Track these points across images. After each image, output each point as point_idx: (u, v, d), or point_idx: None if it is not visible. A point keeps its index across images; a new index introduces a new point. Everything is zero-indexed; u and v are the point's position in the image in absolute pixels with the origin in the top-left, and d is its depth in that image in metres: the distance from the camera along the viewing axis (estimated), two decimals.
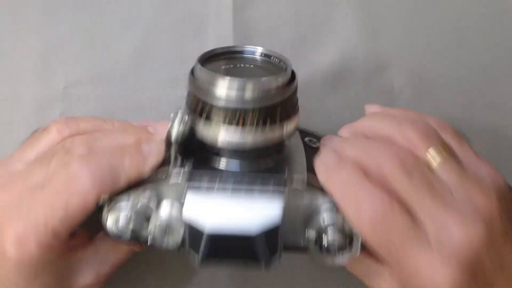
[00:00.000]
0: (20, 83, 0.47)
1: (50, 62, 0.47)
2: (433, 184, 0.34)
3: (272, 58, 0.38)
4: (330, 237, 0.35)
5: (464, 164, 0.36)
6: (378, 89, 0.49)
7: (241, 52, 0.39)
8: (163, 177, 0.36)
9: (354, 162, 0.36)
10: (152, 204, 0.36)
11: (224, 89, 0.34)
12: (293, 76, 0.37)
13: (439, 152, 0.36)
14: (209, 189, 0.35)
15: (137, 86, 0.47)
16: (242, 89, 0.34)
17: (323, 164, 0.37)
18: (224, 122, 0.35)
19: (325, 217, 0.36)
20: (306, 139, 0.41)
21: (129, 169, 0.36)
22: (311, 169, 0.37)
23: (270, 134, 0.35)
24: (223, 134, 0.35)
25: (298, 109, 0.37)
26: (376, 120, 0.39)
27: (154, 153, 0.36)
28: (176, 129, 0.35)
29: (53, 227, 0.35)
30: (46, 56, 0.47)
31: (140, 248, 0.40)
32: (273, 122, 0.35)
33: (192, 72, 0.37)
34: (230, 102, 0.34)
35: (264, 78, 0.35)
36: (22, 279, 0.35)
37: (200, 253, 0.34)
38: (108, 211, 0.36)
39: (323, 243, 0.36)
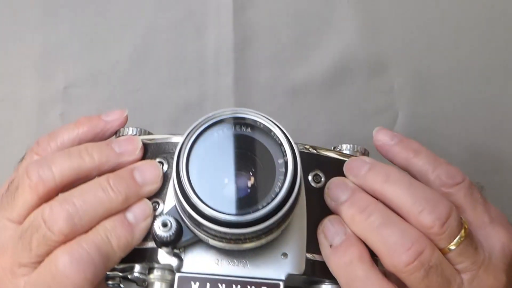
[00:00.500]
0: (20, 83, 0.47)
1: (50, 62, 0.47)
2: (446, 282, 0.32)
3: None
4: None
5: (475, 229, 0.34)
6: (378, 89, 0.49)
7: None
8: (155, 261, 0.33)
9: (362, 243, 0.32)
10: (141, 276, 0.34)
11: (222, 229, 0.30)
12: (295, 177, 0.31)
13: (456, 237, 0.32)
14: (202, 281, 0.32)
15: (137, 86, 0.47)
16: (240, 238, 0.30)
17: (327, 237, 0.33)
18: (218, 240, 0.31)
19: None
20: (310, 176, 0.35)
21: (118, 249, 0.32)
22: (312, 235, 0.33)
23: (270, 238, 0.32)
24: (215, 243, 0.31)
25: (299, 196, 0.32)
26: (393, 184, 0.33)
27: (141, 219, 0.33)
28: (162, 235, 0.31)
29: None
30: (46, 56, 0.47)
31: None
32: (273, 231, 0.31)
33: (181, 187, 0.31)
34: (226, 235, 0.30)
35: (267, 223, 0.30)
36: None
37: None
38: None
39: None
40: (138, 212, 0.33)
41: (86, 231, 0.32)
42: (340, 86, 0.48)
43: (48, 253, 0.32)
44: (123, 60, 0.47)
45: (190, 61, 0.48)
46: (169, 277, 0.34)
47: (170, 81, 0.47)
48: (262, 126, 0.31)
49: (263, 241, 0.31)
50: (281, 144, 0.30)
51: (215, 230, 0.29)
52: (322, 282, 0.34)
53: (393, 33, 0.49)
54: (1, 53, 0.47)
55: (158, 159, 0.34)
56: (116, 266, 0.33)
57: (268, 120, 0.31)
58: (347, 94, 0.48)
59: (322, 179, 0.35)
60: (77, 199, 0.32)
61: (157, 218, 0.31)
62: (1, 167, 0.46)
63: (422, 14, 0.49)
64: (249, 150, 0.31)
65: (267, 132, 0.31)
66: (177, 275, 0.32)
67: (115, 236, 0.32)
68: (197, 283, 0.32)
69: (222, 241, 0.31)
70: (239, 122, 0.31)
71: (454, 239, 0.32)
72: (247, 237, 0.30)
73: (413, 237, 0.31)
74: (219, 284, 0.32)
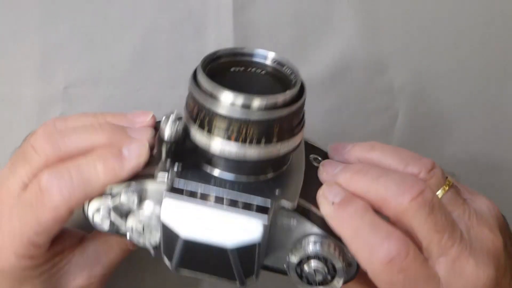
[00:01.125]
0: (20, 83, 0.47)
1: (50, 62, 0.47)
2: (450, 222, 0.33)
3: (284, 67, 0.36)
4: (311, 269, 0.35)
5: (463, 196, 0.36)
6: (378, 89, 0.49)
7: (252, 55, 0.36)
8: (150, 175, 0.34)
9: (363, 197, 0.34)
10: (134, 201, 0.34)
11: (227, 102, 0.32)
12: (301, 90, 0.34)
13: (442, 185, 0.35)
14: (193, 193, 0.33)
15: (137, 86, 0.47)
16: (246, 105, 0.32)
17: (328, 198, 0.34)
18: (222, 133, 0.33)
19: (311, 247, 0.34)
20: (311, 156, 0.38)
21: (103, 176, 0.34)
22: (308, 192, 0.35)
23: (270, 150, 0.33)
24: (219, 144, 0.33)
25: (303, 125, 0.35)
26: (378, 150, 0.37)
27: (134, 156, 0.34)
28: (169, 129, 0.33)
29: (29, 238, 0.34)
30: (46, 56, 0.47)
31: (133, 247, 0.40)
32: (274, 138, 0.33)
33: (195, 75, 0.35)
34: (232, 115, 0.32)
35: (271, 96, 0.32)
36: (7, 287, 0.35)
37: (175, 259, 0.34)
38: (90, 201, 0.35)
39: (304, 273, 0.35)
40: (134, 149, 0.34)
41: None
42: (340, 86, 0.48)
43: (34, 175, 0.34)
44: (123, 60, 0.47)
45: (190, 61, 0.48)
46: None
47: (170, 81, 0.47)
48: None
49: (268, 149, 0.33)
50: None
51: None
52: (310, 235, 0.35)
53: (393, 33, 0.49)
54: (1, 53, 0.47)
55: None
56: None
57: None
58: (347, 94, 0.48)
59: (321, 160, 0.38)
60: (66, 129, 0.36)
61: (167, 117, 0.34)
62: (1, 167, 0.46)
63: (422, 14, 0.49)
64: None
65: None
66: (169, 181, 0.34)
67: (103, 163, 0.34)
68: (189, 187, 0.34)
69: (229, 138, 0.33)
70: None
71: (441, 186, 0.35)
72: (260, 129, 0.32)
73: (412, 180, 0.33)
74: (210, 192, 0.33)
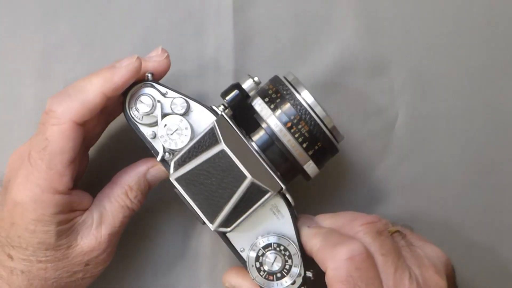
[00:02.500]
0: (20, 83, 0.47)
1: (50, 62, 0.47)
2: (396, 251, 0.39)
3: None
4: (269, 259, 0.39)
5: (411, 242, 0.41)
6: (378, 89, 0.49)
7: None
8: (206, 106, 0.40)
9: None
10: (183, 107, 0.39)
11: (303, 97, 0.40)
12: (336, 149, 0.42)
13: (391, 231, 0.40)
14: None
15: None
16: (313, 108, 0.40)
17: (305, 221, 0.41)
18: (282, 116, 0.39)
19: (267, 239, 0.39)
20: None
21: (96, 83, 0.38)
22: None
23: (301, 155, 0.40)
24: (274, 121, 0.39)
25: (321, 167, 0.42)
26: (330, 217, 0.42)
27: (124, 65, 0.38)
28: (249, 81, 0.40)
29: (49, 165, 0.37)
30: (46, 56, 0.47)
31: (136, 205, 0.41)
32: (311, 152, 0.40)
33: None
34: (300, 107, 0.39)
35: (330, 117, 0.40)
36: (27, 222, 0.38)
37: (185, 169, 0.38)
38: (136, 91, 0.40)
39: (263, 266, 0.39)
40: (124, 61, 0.39)
41: None
42: (340, 86, 0.48)
43: None
44: None
45: (190, 61, 0.48)
46: None
47: (170, 81, 0.47)
48: None
49: None
50: None
51: None
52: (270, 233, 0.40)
53: (393, 33, 0.49)
54: (1, 53, 0.47)
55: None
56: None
57: None
58: (347, 94, 0.48)
59: None
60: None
61: None
62: (1, 167, 0.45)
63: (422, 14, 0.49)
64: None
65: None
66: None
67: (96, 75, 0.38)
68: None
69: None
70: None
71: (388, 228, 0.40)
72: None
73: (368, 221, 0.40)
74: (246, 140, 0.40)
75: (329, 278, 0.37)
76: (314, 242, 0.39)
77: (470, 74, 0.49)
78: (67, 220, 0.39)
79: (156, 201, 0.47)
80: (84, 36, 0.47)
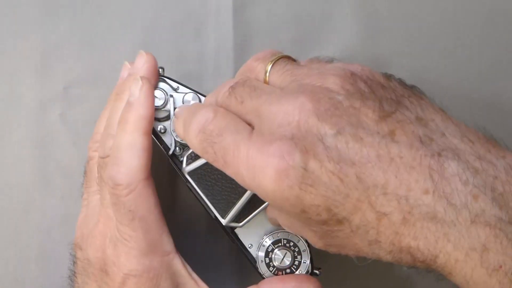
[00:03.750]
0: (20, 83, 0.47)
1: (50, 62, 0.47)
2: (258, 90, 0.34)
3: None
4: (279, 255, 0.39)
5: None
6: None
7: None
8: None
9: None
10: (192, 103, 0.40)
11: None
12: None
13: (271, 62, 0.36)
14: None
15: None
16: None
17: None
18: None
19: (273, 237, 0.39)
20: None
21: (131, 131, 0.37)
22: None
23: None
24: None
25: None
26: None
27: (138, 96, 0.38)
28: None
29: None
30: (46, 56, 0.47)
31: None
32: None
33: None
34: None
35: None
36: None
37: (197, 164, 0.38)
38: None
39: (272, 262, 0.39)
40: (134, 89, 0.38)
41: None
42: None
43: None
44: (123, 60, 0.47)
45: (190, 61, 0.48)
46: None
47: None
48: None
49: None
50: None
51: None
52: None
53: (393, 33, 0.49)
54: (1, 53, 0.47)
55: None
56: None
57: None
58: None
59: None
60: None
61: None
62: (2, 167, 0.46)
63: (422, 14, 0.49)
64: None
65: None
66: None
67: (123, 123, 0.38)
68: None
69: None
70: None
71: (270, 62, 0.36)
72: None
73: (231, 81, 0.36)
74: None
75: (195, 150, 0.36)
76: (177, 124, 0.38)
77: (470, 74, 0.49)
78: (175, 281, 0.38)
79: None
80: (84, 36, 0.47)
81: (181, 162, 0.39)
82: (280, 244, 0.39)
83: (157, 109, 0.39)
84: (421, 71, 0.49)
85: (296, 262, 0.39)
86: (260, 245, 0.39)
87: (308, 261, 0.39)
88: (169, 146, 0.39)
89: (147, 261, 0.37)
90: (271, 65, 0.36)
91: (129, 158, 0.36)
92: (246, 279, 0.47)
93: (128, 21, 0.48)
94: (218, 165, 0.33)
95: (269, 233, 0.39)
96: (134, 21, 0.48)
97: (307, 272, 0.39)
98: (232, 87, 0.35)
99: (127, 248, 0.37)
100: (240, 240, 0.40)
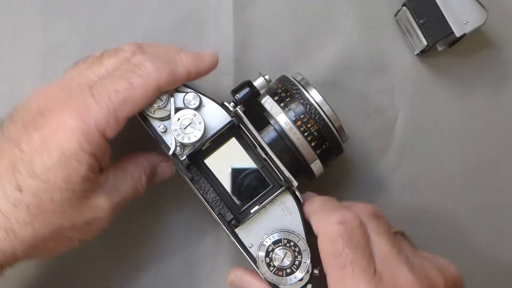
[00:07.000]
0: (20, 83, 0.47)
1: (50, 62, 0.47)
2: (394, 238, 0.38)
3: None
4: (279, 255, 0.39)
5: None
6: (378, 89, 0.49)
7: None
8: (216, 101, 0.40)
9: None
10: (196, 102, 0.40)
11: (312, 96, 0.41)
12: (341, 149, 0.43)
13: (399, 230, 0.40)
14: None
15: None
16: (322, 106, 0.40)
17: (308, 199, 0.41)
18: (293, 115, 0.40)
19: (274, 236, 0.39)
20: None
21: (186, 60, 0.39)
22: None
23: (310, 152, 0.40)
24: (284, 119, 0.40)
25: (326, 167, 0.42)
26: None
27: (209, 54, 0.40)
28: (260, 79, 0.41)
29: (115, 106, 0.36)
30: (47, 56, 0.47)
31: (143, 189, 0.41)
32: (318, 151, 0.41)
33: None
34: (309, 106, 0.40)
35: (337, 116, 0.41)
36: (68, 147, 0.36)
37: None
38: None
39: (272, 262, 0.39)
40: (208, 51, 0.41)
41: None
42: (340, 86, 0.48)
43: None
44: None
45: None
46: None
47: None
48: None
49: None
50: None
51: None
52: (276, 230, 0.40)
53: (393, 33, 0.49)
54: (1, 53, 0.47)
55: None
56: None
57: None
58: (347, 94, 0.48)
59: None
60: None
61: None
62: None
63: None
64: None
65: None
66: None
67: (185, 53, 0.40)
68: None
69: None
70: None
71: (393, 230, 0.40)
72: None
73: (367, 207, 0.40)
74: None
75: (319, 239, 0.37)
76: (311, 207, 0.39)
77: (470, 74, 0.49)
78: (96, 169, 0.37)
79: (156, 201, 0.47)
80: (85, 36, 0.47)
81: (180, 161, 0.39)
82: (280, 244, 0.39)
83: (158, 108, 0.39)
84: (421, 71, 0.49)
85: (297, 262, 0.39)
86: (261, 245, 0.39)
87: (308, 261, 0.39)
88: (170, 145, 0.39)
89: (90, 127, 0.36)
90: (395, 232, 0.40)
91: (167, 65, 0.38)
92: None
93: (128, 21, 0.48)
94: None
95: (269, 233, 0.39)
96: (134, 21, 0.48)
97: (307, 272, 0.39)
98: (374, 213, 0.39)
99: (85, 104, 0.36)
100: (240, 239, 0.40)
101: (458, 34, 0.45)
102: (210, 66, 0.40)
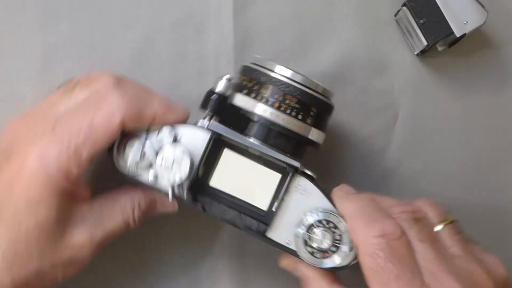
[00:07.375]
0: (20, 83, 0.47)
1: (50, 62, 0.47)
2: (438, 241, 0.37)
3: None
4: (317, 235, 0.38)
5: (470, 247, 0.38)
6: (378, 89, 0.49)
7: None
8: (189, 123, 0.39)
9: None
10: (171, 137, 0.38)
11: (278, 73, 0.39)
12: (331, 106, 0.41)
13: (447, 220, 0.39)
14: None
15: None
16: (293, 79, 0.39)
17: (341, 191, 0.39)
18: (267, 100, 0.39)
19: (315, 216, 0.38)
20: None
21: (156, 107, 0.38)
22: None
23: (302, 126, 0.39)
24: (262, 108, 0.39)
25: (325, 130, 0.41)
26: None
27: (180, 109, 0.39)
28: (223, 83, 0.39)
29: (76, 146, 0.35)
30: (46, 56, 0.47)
31: (135, 224, 0.40)
32: (308, 120, 0.39)
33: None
34: (281, 84, 0.39)
35: (313, 80, 0.40)
36: (32, 194, 0.35)
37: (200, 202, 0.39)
38: (121, 139, 0.38)
39: (310, 241, 0.38)
40: (180, 106, 0.40)
41: None
42: (340, 86, 0.48)
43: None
44: (123, 60, 0.47)
45: (190, 61, 0.48)
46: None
47: (170, 81, 0.47)
48: None
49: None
50: None
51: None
52: (314, 210, 0.39)
53: (393, 33, 0.49)
54: (1, 53, 0.47)
55: None
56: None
57: None
58: (347, 94, 0.48)
59: None
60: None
61: None
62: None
63: None
64: None
65: None
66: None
67: (158, 99, 0.39)
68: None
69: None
70: None
71: (446, 220, 0.39)
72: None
73: (408, 208, 0.38)
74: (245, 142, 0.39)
75: (359, 251, 0.36)
76: (349, 206, 0.38)
77: (470, 74, 0.49)
78: (68, 207, 0.37)
79: None
80: (84, 36, 0.47)
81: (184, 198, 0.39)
82: (319, 225, 0.38)
83: (137, 162, 0.38)
84: (421, 71, 0.49)
85: (336, 244, 0.38)
86: (299, 228, 0.38)
87: (349, 242, 0.38)
88: (167, 192, 0.38)
89: (53, 168, 0.35)
90: (447, 224, 0.38)
91: (137, 103, 0.38)
92: (246, 280, 0.47)
93: (128, 21, 0.48)
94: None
95: (307, 213, 0.38)
96: (134, 21, 0.48)
97: (346, 254, 0.38)
98: (413, 216, 0.37)
99: (47, 143, 0.36)
100: (275, 241, 0.39)
101: (458, 34, 0.45)
102: (176, 120, 0.39)
